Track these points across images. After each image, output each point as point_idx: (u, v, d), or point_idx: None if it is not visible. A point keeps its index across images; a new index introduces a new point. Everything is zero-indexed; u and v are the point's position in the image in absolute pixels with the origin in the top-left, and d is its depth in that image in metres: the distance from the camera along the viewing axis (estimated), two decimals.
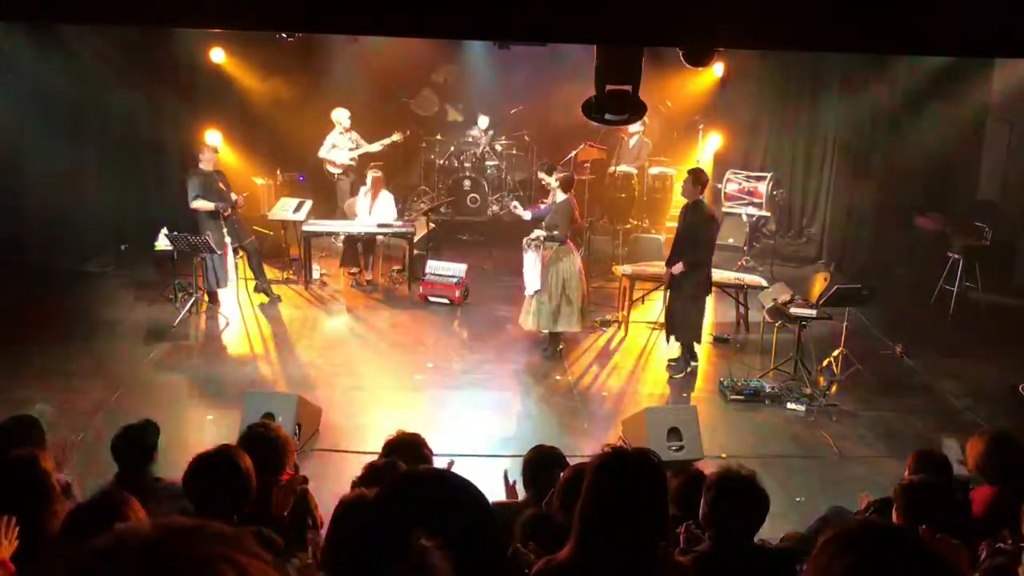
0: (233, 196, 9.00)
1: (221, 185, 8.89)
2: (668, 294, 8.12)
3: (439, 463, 4.07)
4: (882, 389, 7.78)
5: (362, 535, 1.40)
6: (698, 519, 3.04)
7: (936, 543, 2.92)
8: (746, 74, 11.60)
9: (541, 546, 2.86)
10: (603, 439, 6.68)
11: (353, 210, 10.29)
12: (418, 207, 12.03)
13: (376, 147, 10.97)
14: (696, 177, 7.77)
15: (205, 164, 8.88)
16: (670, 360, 8.11)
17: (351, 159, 10.89)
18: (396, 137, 11.00)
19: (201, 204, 8.75)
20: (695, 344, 8.00)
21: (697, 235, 7.70)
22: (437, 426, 6.75)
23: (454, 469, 1.58)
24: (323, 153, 10.93)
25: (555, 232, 7.94)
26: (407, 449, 3.79)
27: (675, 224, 11.90)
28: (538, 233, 8.08)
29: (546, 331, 8.22)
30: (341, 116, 10.79)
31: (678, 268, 7.73)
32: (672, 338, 8.09)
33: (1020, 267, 10.50)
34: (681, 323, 7.89)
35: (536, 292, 8.05)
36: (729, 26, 2.86)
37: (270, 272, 10.12)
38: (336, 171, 10.97)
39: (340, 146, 10.87)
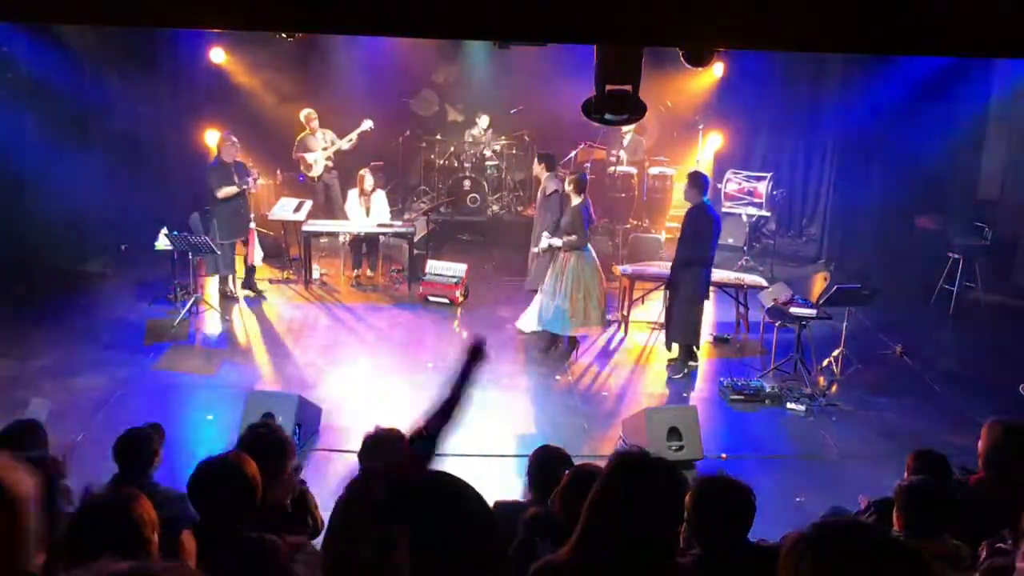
0: (250, 181, 9.24)
1: (235, 176, 9.11)
2: (667, 295, 8.12)
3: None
4: (882, 389, 7.78)
5: (361, 536, 1.40)
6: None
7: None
8: (746, 74, 11.60)
9: (542, 545, 2.86)
10: (603, 439, 6.69)
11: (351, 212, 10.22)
12: (418, 207, 12.03)
13: (344, 143, 10.81)
14: (693, 180, 7.78)
15: (225, 156, 9.09)
16: (669, 360, 8.11)
17: (327, 159, 10.82)
18: (366, 126, 10.78)
19: (227, 191, 8.99)
20: (694, 346, 8.00)
21: (696, 237, 7.70)
22: None
23: (451, 469, 1.57)
24: (297, 152, 10.88)
25: (573, 237, 7.92)
26: (385, 444, 3.76)
27: (675, 224, 12.02)
28: (550, 242, 8.07)
29: (568, 334, 8.19)
30: (307, 116, 10.72)
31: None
32: (672, 343, 8.09)
33: (1020, 267, 10.50)
34: (679, 325, 7.89)
35: (557, 298, 8.02)
36: (729, 26, 2.86)
37: (270, 272, 10.13)
38: (309, 173, 10.90)
39: (312, 147, 10.80)
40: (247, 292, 9.48)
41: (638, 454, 2.34)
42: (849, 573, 1.47)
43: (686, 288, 7.76)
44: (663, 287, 9.00)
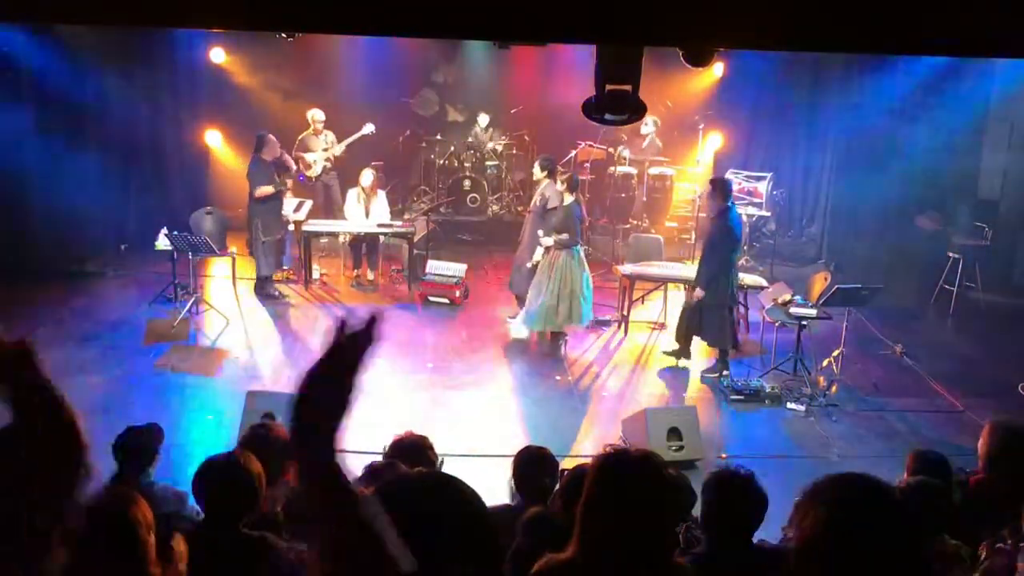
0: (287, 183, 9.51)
1: (276, 175, 9.26)
2: (686, 298, 8.08)
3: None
4: (882, 389, 7.78)
5: (359, 536, 1.40)
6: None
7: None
8: (746, 74, 11.60)
9: (542, 546, 2.86)
10: (603, 439, 6.68)
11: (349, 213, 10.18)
12: (418, 207, 12.03)
13: (342, 147, 10.73)
14: (715, 187, 7.80)
15: (266, 154, 9.16)
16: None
17: (326, 159, 10.80)
18: (367, 130, 10.71)
19: (263, 190, 9.13)
20: (729, 349, 7.97)
21: (717, 246, 7.71)
22: (437, 426, 6.73)
23: (448, 469, 1.56)
24: (297, 151, 10.85)
25: (564, 236, 7.92)
26: (412, 450, 3.78)
27: (675, 224, 12.05)
28: (547, 241, 8.09)
29: (550, 330, 8.21)
30: (314, 116, 10.68)
31: (698, 294, 7.75)
32: (685, 342, 8.11)
33: (1020, 267, 10.50)
34: (712, 330, 7.86)
35: (544, 295, 8.04)
36: (729, 26, 2.86)
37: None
38: (308, 172, 10.88)
39: (313, 147, 10.77)
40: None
41: (618, 454, 2.33)
42: (857, 524, 1.51)
43: (713, 294, 7.74)
44: (663, 287, 9.05)
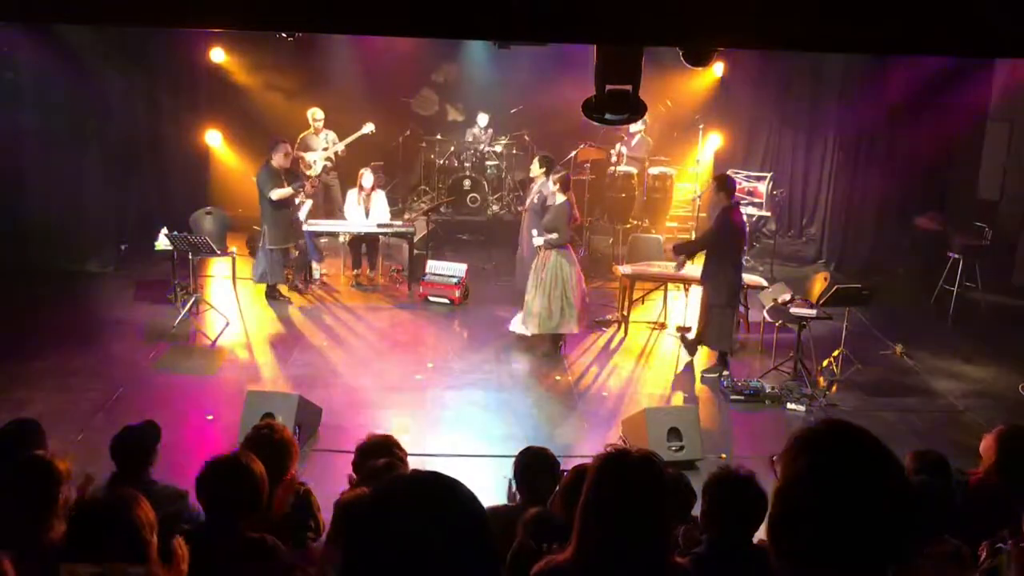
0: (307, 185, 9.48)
1: (285, 182, 9.16)
2: (701, 300, 8.09)
3: (425, 463, 4.04)
4: (882, 389, 7.78)
5: (359, 536, 1.39)
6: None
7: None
8: (746, 74, 11.59)
9: (542, 546, 2.86)
10: (603, 439, 6.69)
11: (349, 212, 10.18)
12: (418, 207, 12.03)
13: (342, 145, 10.70)
14: (719, 183, 7.83)
15: (276, 161, 9.08)
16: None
17: (326, 159, 10.78)
18: (367, 129, 10.67)
19: (280, 193, 9.05)
20: (729, 351, 7.97)
21: (722, 241, 7.71)
22: (437, 426, 6.76)
23: (447, 469, 1.55)
24: (297, 151, 10.82)
25: (554, 236, 7.94)
26: (379, 451, 3.74)
27: (675, 224, 12.05)
28: (537, 241, 8.12)
29: (545, 333, 8.22)
30: (314, 115, 10.64)
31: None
32: (704, 346, 8.14)
33: (1020, 267, 10.50)
34: (714, 331, 7.87)
35: (536, 295, 8.07)
36: (729, 26, 2.86)
37: None
38: (308, 172, 10.84)
39: (313, 146, 10.75)
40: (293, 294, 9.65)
41: (619, 455, 2.32)
42: (843, 471, 1.51)
43: (717, 294, 7.75)
44: (663, 287, 9.04)
